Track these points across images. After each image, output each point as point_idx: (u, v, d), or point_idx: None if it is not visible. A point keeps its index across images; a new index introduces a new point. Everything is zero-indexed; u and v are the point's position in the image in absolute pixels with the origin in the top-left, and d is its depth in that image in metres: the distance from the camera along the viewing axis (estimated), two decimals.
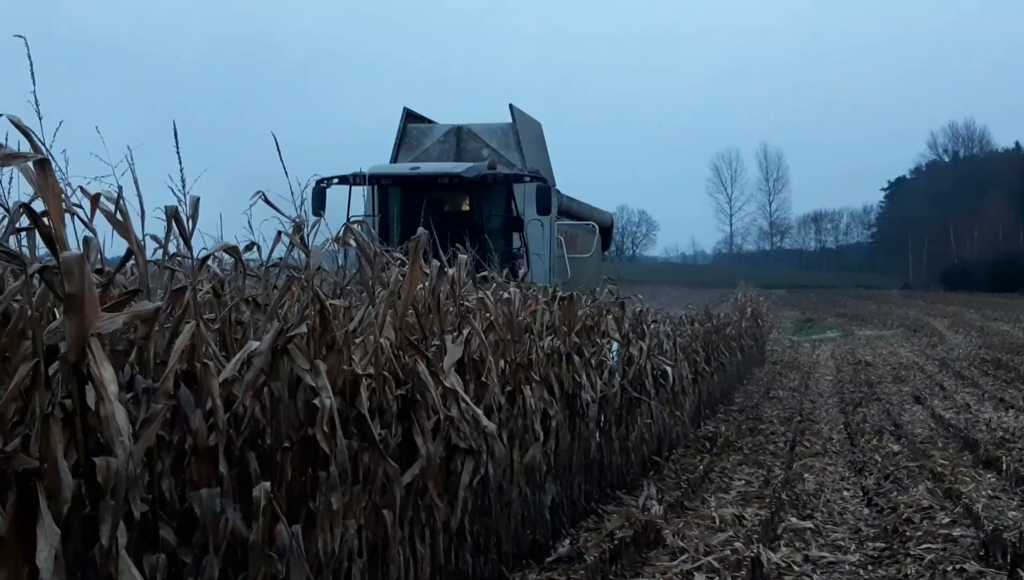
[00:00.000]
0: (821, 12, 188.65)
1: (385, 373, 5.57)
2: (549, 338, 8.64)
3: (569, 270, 16.76)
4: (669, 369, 12.90)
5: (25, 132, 3.16)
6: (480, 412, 6.37)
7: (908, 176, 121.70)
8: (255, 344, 4.55)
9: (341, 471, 4.75)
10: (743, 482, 11.88)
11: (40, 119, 3.59)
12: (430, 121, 19.12)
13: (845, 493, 11.32)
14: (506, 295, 7.80)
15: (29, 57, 3.38)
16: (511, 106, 18.31)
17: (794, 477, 12.02)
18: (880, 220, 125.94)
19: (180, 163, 4.01)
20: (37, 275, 3.30)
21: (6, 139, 3.19)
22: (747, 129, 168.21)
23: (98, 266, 4.00)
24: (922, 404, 19.80)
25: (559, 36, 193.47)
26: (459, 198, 16.38)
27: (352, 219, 14.83)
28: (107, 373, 3.20)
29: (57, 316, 3.72)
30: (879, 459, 13.29)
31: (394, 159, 18.08)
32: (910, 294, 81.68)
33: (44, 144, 3.20)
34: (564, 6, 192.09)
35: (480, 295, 7.41)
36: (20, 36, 3.36)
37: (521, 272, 12.43)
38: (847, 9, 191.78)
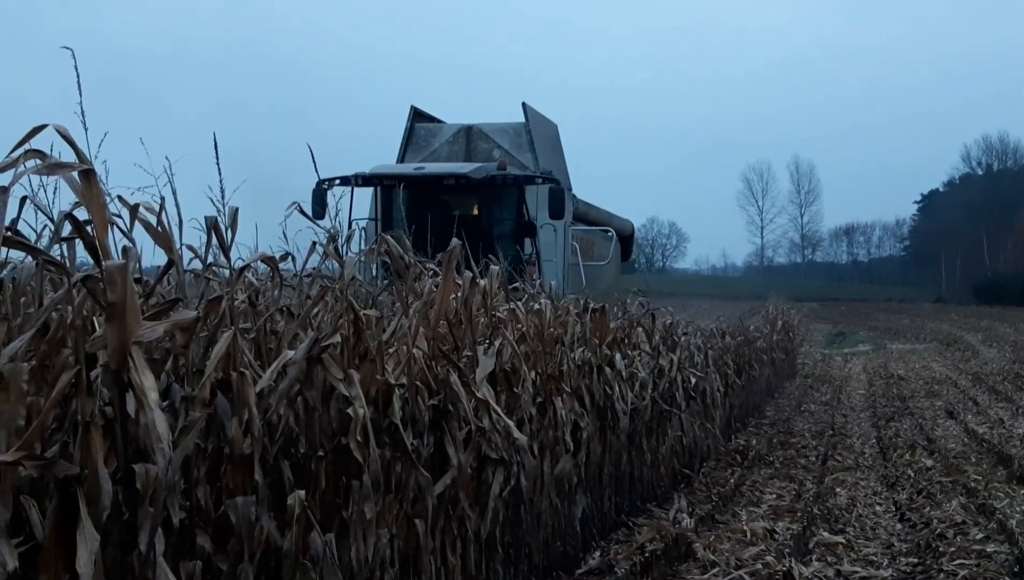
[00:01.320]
0: (854, 25, 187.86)
1: (418, 383, 5.60)
2: (580, 349, 8.66)
3: (584, 278, 15.63)
4: (700, 382, 12.88)
5: (71, 142, 3.21)
6: (512, 424, 6.39)
7: (941, 189, 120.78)
8: (290, 353, 4.59)
9: (374, 480, 4.78)
10: (774, 496, 11.81)
11: (86, 130, 3.66)
12: (439, 121, 18.36)
13: (878, 508, 11.23)
14: (537, 306, 7.82)
15: (76, 69, 3.44)
16: (524, 105, 17.53)
17: (826, 491, 11.95)
18: (913, 233, 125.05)
19: (220, 174, 4.06)
20: (79, 284, 3.35)
21: (51, 149, 3.23)
22: (779, 141, 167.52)
23: (136, 275, 4.05)
24: (955, 419, 19.62)
25: (588, 49, 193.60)
26: (467, 201, 15.60)
27: (354, 222, 14.15)
28: (147, 381, 3.24)
29: (96, 325, 3.78)
30: (912, 474, 13.18)
31: (401, 160, 17.36)
32: (943, 308, 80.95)
33: (89, 154, 3.25)
34: (591, 23, 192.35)
35: (511, 306, 7.43)
36: (67, 48, 3.42)
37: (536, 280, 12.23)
38: (881, 22, 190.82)
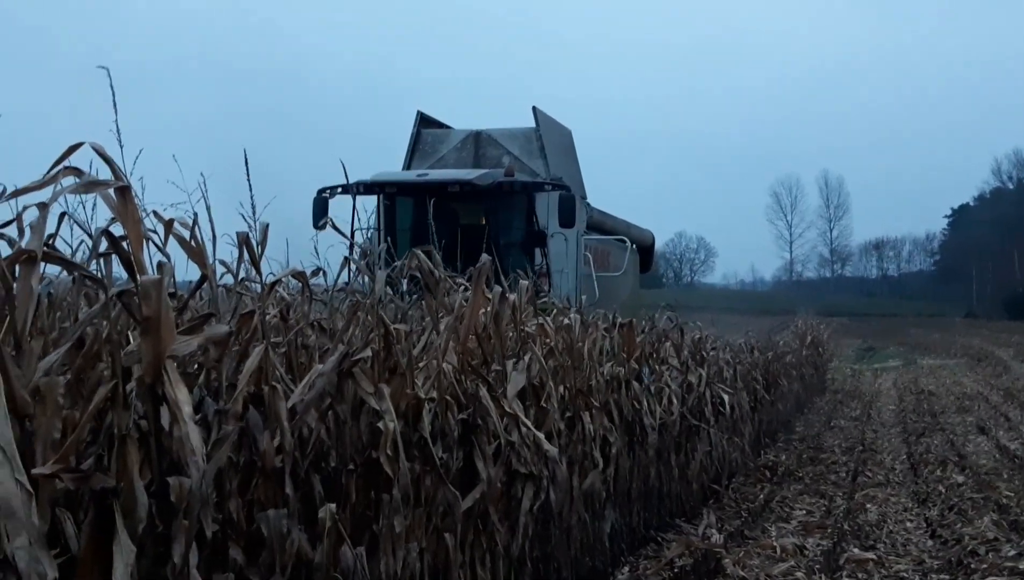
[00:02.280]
0: (884, 38, 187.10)
1: (447, 397, 5.62)
2: (609, 364, 8.66)
3: (597, 289, 14.90)
4: (728, 397, 12.84)
5: (107, 159, 3.26)
6: (541, 436, 6.40)
7: (972, 203, 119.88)
8: (320, 367, 4.63)
9: (404, 494, 4.81)
10: (804, 512, 11.75)
11: (121, 147, 3.71)
12: (446, 126, 17.58)
13: (908, 524, 11.15)
14: (566, 321, 7.83)
15: (112, 88, 3.50)
16: (535, 109, 16.74)
17: (856, 507, 11.87)
18: (943, 248, 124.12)
19: (251, 190, 4.10)
20: (115, 298, 3.39)
21: (91, 167, 3.28)
22: (807, 155, 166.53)
23: (170, 290, 4.10)
24: (987, 435, 19.45)
25: (618, 64, 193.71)
26: (474, 209, 14.78)
27: (356, 232, 14.43)
28: (181, 395, 3.28)
29: (129, 339, 3.83)
30: (943, 490, 13.07)
31: (407, 167, 16.67)
32: (973, 323, 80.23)
33: (124, 171, 3.30)
34: (619, 37, 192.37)
35: (540, 321, 7.45)
36: (103, 67, 3.48)
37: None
38: (911, 35, 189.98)
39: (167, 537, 3.40)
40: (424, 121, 17.14)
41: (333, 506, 4.31)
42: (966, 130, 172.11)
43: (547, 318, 7.59)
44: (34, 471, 2.85)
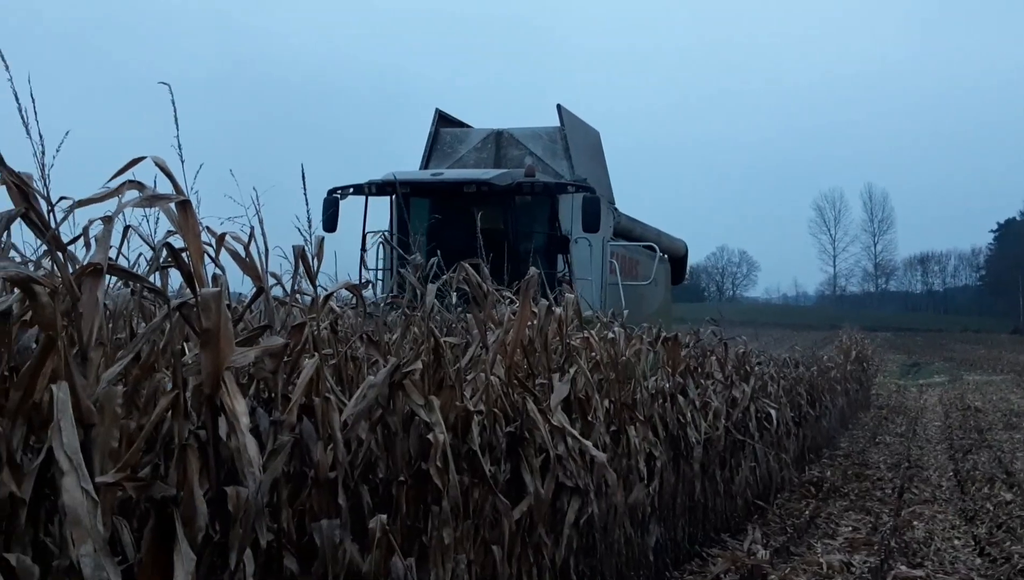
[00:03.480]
0: (926, 49, 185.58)
1: (495, 410, 5.65)
2: (654, 378, 8.65)
3: (624, 299, 13.71)
4: (773, 412, 12.77)
5: (168, 174, 3.32)
6: (588, 444, 6.41)
7: (1018, 217, 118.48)
8: (372, 378, 4.67)
9: (453, 506, 4.84)
10: (850, 528, 11.65)
11: (183, 162, 3.80)
12: (466, 125, 16.71)
13: (956, 542, 11.01)
14: (611, 335, 7.84)
15: (173, 104, 3.57)
16: (559, 107, 15.80)
17: (903, 524, 11.75)
18: (989, 262, 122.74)
19: (307, 204, 4.16)
20: (175, 310, 3.45)
21: (155, 182, 3.35)
22: (851, 169, 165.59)
23: (226, 302, 4.16)
24: None
25: (661, 82, 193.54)
26: (493, 211, 13.71)
27: (368, 234, 12.84)
28: (239, 405, 3.33)
29: (184, 350, 3.89)
30: (991, 508, 12.90)
31: (424, 167, 15.90)
32: (1020, 338, 79.22)
33: (185, 185, 3.36)
34: (665, 54, 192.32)
35: (585, 334, 7.46)
36: (164, 83, 3.55)
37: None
38: (956, 48, 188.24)
39: (223, 546, 3.44)
40: (443, 120, 16.37)
41: (384, 517, 4.35)
42: (1013, 142, 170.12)
43: (591, 332, 7.60)
44: (98, 479, 2.90)
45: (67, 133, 3.36)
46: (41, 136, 3.24)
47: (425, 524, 4.87)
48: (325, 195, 13.57)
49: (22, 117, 3.16)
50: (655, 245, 17.31)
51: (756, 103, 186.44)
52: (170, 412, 3.36)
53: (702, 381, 10.28)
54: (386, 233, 13.79)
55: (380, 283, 12.92)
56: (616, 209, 16.63)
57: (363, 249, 12.19)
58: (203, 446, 3.39)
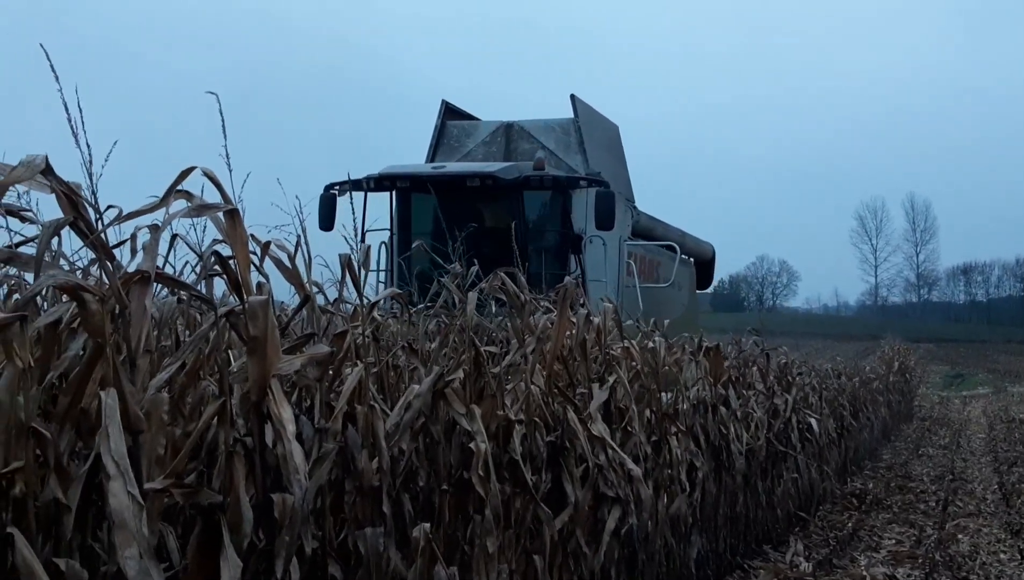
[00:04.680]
0: (967, 55, 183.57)
1: (535, 419, 5.64)
2: (695, 388, 8.61)
3: (642, 303, 12.79)
4: (815, 422, 12.67)
5: (216, 184, 3.34)
6: (626, 457, 6.39)
7: None
8: (416, 388, 4.68)
9: (495, 515, 4.83)
10: (893, 541, 11.52)
11: (230, 172, 3.82)
12: (474, 118, 15.64)
13: (1002, 555, 10.85)
14: (651, 344, 7.81)
15: (221, 113, 3.59)
16: (573, 98, 14.69)
17: (947, 537, 11.61)
18: None
19: (353, 213, 4.18)
20: (222, 318, 3.47)
21: (202, 192, 3.37)
22: (893, 178, 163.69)
23: None
24: None
25: (700, 88, 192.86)
26: (500, 208, 13.07)
27: (368, 233, 11.40)
28: (285, 413, 3.34)
29: (229, 358, 3.92)
30: None
31: (430, 161, 14.75)
32: None
33: (233, 194, 3.38)
34: (704, 61, 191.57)
35: (625, 343, 7.43)
36: (212, 93, 3.57)
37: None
38: (996, 53, 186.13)
39: (268, 553, 3.46)
40: (450, 112, 15.28)
41: (427, 525, 4.35)
42: None
43: (632, 341, 7.57)
44: (147, 486, 2.92)
45: (115, 143, 3.39)
46: (89, 146, 3.27)
47: (466, 533, 4.87)
48: (322, 191, 12.71)
49: (71, 127, 3.19)
50: (676, 245, 16.01)
51: (796, 111, 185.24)
52: (216, 419, 3.37)
53: (743, 391, 10.22)
54: (386, 231, 13.13)
55: (381, 285, 12.48)
56: (635, 207, 15.70)
57: (365, 250, 11.52)
58: (249, 453, 3.41)
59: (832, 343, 56.10)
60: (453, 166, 13.56)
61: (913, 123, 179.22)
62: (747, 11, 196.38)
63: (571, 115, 14.66)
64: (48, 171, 2.90)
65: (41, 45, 3.24)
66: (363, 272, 4.43)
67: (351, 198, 5.21)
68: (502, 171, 12.73)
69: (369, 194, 12.83)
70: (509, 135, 14.90)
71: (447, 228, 12.63)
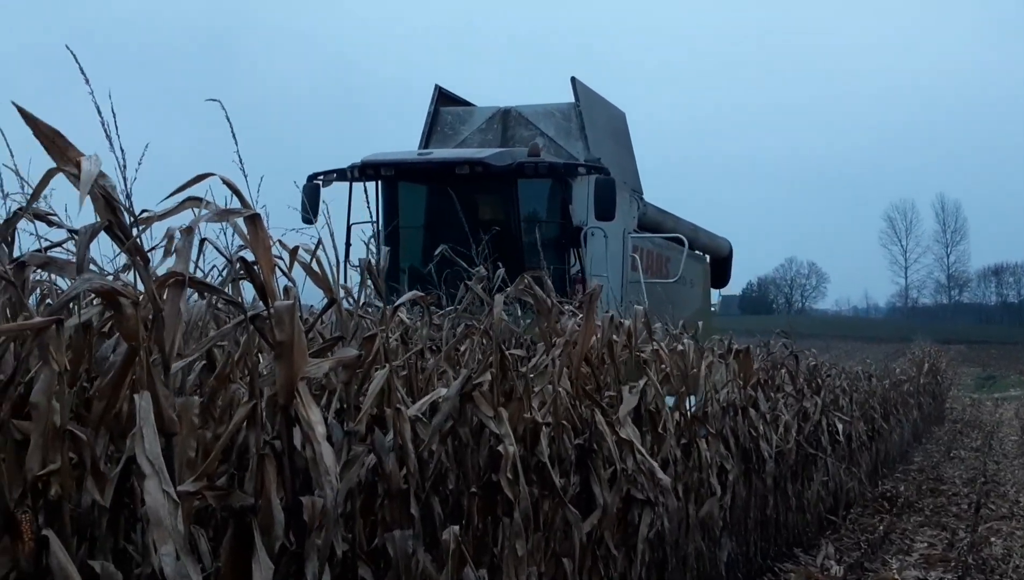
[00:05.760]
0: (996, 56, 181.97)
1: (563, 422, 5.64)
2: (724, 391, 8.58)
3: (647, 300, 11.46)
4: (845, 425, 12.60)
5: (235, 190, 3.36)
6: (655, 465, 6.37)
7: None
8: (443, 390, 4.70)
9: (524, 517, 4.83)
10: (925, 544, 11.44)
11: (245, 177, 3.84)
12: (469, 104, 14.78)
13: None
14: (680, 347, 7.79)
15: (228, 120, 3.61)
16: (573, 81, 13.76)
17: (980, 540, 11.51)
18: None
19: (376, 219, 4.18)
20: (248, 322, 3.49)
21: (222, 199, 3.38)
22: (922, 179, 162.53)
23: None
24: None
25: (728, 92, 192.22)
26: (494, 198, 12.32)
27: (353, 225, 10.75)
28: (314, 415, 3.36)
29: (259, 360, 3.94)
30: None
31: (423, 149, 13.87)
32: None
33: (251, 198, 3.39)
34: (732, 64, 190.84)
35: (654, 346, 7.41)
36: (215, 100, 3.59)
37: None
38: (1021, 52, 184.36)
39: (299, 555, 3.47)
40: (443, 98, 14.38)
41: (456, 528, 4.36)
42: None
43: (661, 344, 7.55)
44: (180, 488, 2.94)
45: (147, 146, 3.41)
46: (123, 150, 3.29)
47: (495, 535, 4.87)
48: (305, 181, 11.72)
49: (105, 131, 3.22)
50: (683, 238, 14.94)
51: (826, 113, 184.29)
52: (246, 422, 3.39)
53: (772, 394, 10.17)
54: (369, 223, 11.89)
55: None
56: (642, 199, 14.88)
57: (347, 243, 10.42)
58: (278, 456, 3.42)
59: (862, 345, 55.70)
60: (441, 152, 12.81)
61: (943, 123, 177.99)
62: (775, 12, 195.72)
63: (572, 99, 13.82)
64: (101, 175, 2.93)
65: (68, 47, 3.27)
66: (383, 275, 4.43)
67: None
68: (493, 157, 11.96)
69: (355, 185, 11.86)
70: (506, 121, 14.08)
71: (436, 220, 11.83)
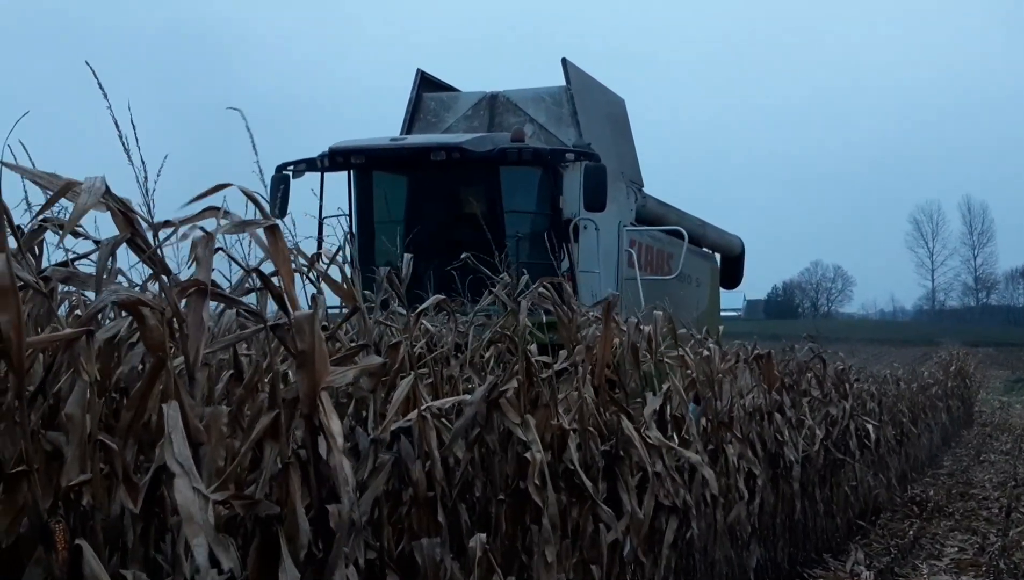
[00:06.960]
0: (1021, 57, 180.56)
1: (589, 428, 5.63)
2: (750, 395, 8.54)
3: (644, 299, 10.56)
4: (873, 429, 12.51)
5: (254, 200, 3.37)
6: (689, 453, 6.36)
7: None
8: (467, 396, 4.70)
9: (552, 524, 4.82)
10: (956, 549, 11.34)
11: (265, 186, 3.85)
12: (454, 89, 13.73)
13: None
14: (705, 352, 7.76)
15: (248, 129, 3.62)
16: (565, 62, 12.64)
17: (1012, 545, 11.39)
18: None
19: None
20: (270, 331, 3.50)
21: (241, 207, 3.39)
22: (948, 180, 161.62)
23: (323, 323, 4.21)
24: None
25: (749, 92, 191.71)
26: (476, 189, 11.42)
27: (325, 218, 9.72)
28: (335, 425, 3.36)
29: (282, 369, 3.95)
30: None
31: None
32: None
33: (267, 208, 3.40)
34: (753, 66, 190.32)
35: (679, 352, 7.38)
36: (235, 108, 3.60)
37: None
38: None
39: (324, 563, 3.47)
40: (426, 83, 13.37)
41: (483, 535, 4.35)
42: None
43: (686, 349, 7.53)
44: (211, 496, 2.96)
45: (166, 157, 3.42)
46: (143, 162, 3.31)
47: (523, 542, 4.86)
48: (273, 172, 11.22)
49: (123, 143, 3.24)
50: (682, 230, 13.55)
51: (849, 114, 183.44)
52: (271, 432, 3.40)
53: (799, 398, 10.12)
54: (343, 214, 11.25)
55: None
56: (641, 190, 13.98)
57: (320, 236, 9.03)
58: (303, 465, 3.43)
59: (889, 349, 55.35)
60: (416, 138, 11.93)
61: (968, 124, 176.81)
62: (797, 11, 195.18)
63: (563, 83, 12.73)
64: (107, 192, 2.95)
65: (87, 63, 3.29)
66: (404, 284, 4.44)
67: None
68: (472, 142, 11.02)
69: (326, 174, 11.35)
70: (493, 107, 13.04)
71: (415, 212, 10.65)
